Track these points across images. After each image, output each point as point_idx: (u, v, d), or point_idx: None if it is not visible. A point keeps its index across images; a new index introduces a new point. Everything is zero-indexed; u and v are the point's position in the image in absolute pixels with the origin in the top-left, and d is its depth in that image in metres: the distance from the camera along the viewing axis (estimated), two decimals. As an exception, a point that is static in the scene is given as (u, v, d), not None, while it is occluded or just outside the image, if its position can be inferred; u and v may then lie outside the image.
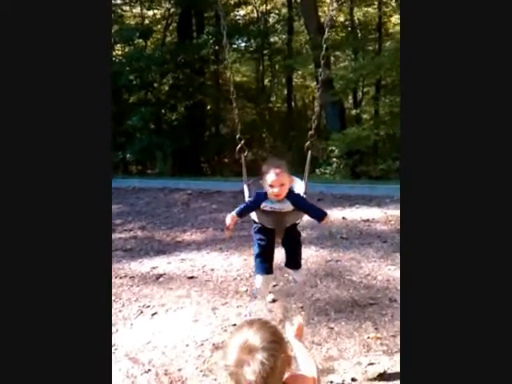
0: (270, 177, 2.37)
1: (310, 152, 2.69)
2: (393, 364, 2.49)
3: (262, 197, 2.48)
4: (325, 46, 2.79)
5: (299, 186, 2.65)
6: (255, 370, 1.17)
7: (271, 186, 2.38)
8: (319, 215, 2.53)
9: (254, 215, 2.60)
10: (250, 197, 2.63)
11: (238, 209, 2.52)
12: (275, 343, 1.23)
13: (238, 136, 2.73)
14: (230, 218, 2.47)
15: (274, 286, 3.57)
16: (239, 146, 2.72)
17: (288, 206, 2.47)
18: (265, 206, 2.48)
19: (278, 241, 2.69)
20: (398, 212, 5.68)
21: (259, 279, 2.64)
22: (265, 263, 2.64)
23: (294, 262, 2.75)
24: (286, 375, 1.29)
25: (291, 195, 2.49)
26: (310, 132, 2.71)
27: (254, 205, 2.51)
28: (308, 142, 2.70)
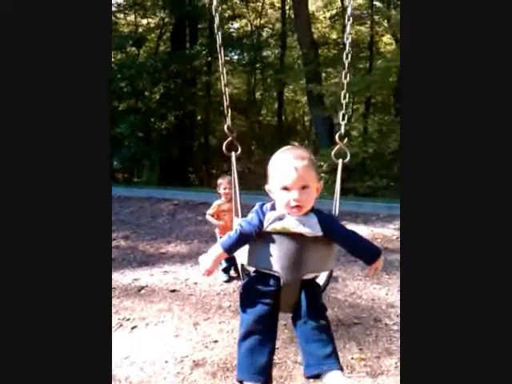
0: (286, 172, 1.41)
1: (341, 161, 1.89)
2: (376, 387, 2.44)
3: (264, 212, 1.47)
4: (346, 63, 2.09)
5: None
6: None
7: (286, 188, 1.43)
8: (372, 254, 1.55)
9: (242, 254, 1.54)
10: (241, 217, 1.65)
11: (225, 240, 1.50)
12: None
13: (226, 125, 1.80)
14: (212, 257, 1.49)
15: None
16: (228, 140, 1.79)
17: (314, 228, 1.46)
18: (272, 222, 1.44)
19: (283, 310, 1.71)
20: (384, 230, 5.68)
21: None
22: (260, 357, 1.49)
23: (328, 358, 1.50)
24: None
25: (319, 212, 1.53)
26: (340, 132, 1.90)
27: (254, 229, 1.46)
28: (337, 147, 1.89)
